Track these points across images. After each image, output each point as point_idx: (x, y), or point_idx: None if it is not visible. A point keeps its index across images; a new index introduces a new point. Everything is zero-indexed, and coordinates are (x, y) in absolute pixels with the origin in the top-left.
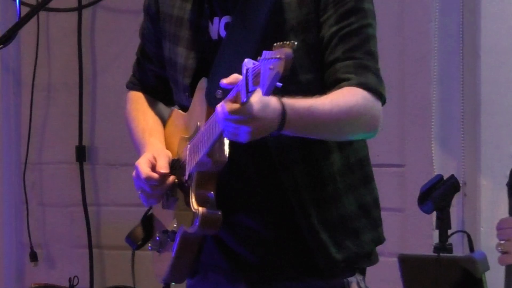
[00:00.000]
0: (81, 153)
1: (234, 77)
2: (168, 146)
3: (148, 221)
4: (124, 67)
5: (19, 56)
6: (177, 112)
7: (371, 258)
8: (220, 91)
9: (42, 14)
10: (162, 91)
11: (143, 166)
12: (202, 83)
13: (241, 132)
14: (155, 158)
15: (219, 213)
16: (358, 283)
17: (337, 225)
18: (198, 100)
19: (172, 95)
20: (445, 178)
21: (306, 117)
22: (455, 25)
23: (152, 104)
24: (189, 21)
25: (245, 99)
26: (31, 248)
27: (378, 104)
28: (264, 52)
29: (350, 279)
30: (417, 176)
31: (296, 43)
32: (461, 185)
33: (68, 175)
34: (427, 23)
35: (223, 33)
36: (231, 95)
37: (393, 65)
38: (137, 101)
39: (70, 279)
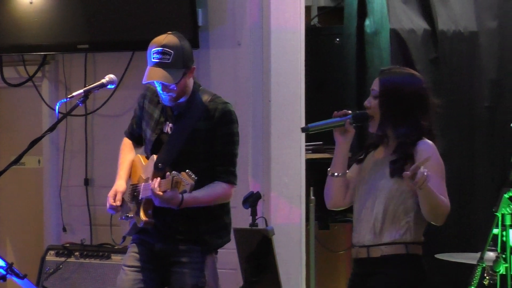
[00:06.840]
0: (87, 181)
1: (168, 178)
2: (133, 174)
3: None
4: (109, 143)
5: (58, 135)
6: (139, 157)
7: (216, 248)
8: (161, 165)
9: (68, 118)
10: (138, 140)
11: (110, 199)
12: (153, 157)
13: (156, 202)
14: (116, 193)
15: (153, 221)
16: (215, 257)
17: (210, 231)
18: (150, 165)
19: (142, 143)
20: (254, 192)
21: (191, 201)
22: (259, 112)
23: (131, 147)
24: (155, 118)
25: (164, 192)
26: (63, 225)
27: (232, 190)
28: (182, 173)
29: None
30: (242, 192)
31: (196, 178)
32: (262, 195)
33: (80, 192)
34: (247, 127)
35: (170, 130)
36: (160, 186)
37: None
38: (126, 144)
39: (81, 240)
